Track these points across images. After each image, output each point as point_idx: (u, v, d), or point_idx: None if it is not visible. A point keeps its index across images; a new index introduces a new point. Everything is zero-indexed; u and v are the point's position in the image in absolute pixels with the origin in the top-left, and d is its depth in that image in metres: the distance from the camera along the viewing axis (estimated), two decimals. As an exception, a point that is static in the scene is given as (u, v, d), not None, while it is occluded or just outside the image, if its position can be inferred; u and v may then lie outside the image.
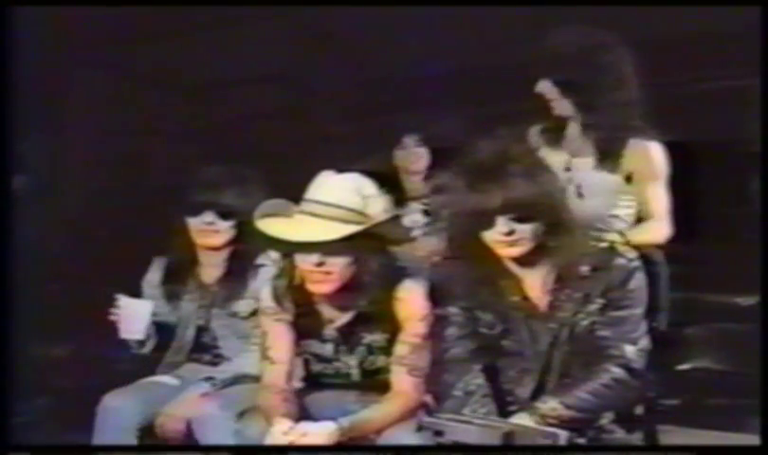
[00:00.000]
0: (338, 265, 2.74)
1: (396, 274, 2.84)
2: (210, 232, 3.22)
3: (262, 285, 3.02)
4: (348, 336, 2.88)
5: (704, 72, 3.36)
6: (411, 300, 2.79)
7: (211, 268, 3.30)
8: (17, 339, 3.69)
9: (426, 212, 3.54)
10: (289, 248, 2.78)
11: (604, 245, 2.64)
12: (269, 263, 3.07)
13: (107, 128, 4.07)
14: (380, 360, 2.87)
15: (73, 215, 4.05)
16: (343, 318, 2.87)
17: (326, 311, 2.88)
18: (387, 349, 2.84)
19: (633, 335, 2.55)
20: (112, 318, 3.20)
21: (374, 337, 2.86)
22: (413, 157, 3.63)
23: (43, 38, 3.82)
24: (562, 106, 3.16)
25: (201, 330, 3.31)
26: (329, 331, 2.89)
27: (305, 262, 2.75)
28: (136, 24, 3.96)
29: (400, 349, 2.80)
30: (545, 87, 3.16)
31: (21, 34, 3.55)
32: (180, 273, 3.31)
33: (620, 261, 2.57)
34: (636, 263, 2.59)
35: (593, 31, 3.12)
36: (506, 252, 2.57)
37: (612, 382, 2.51)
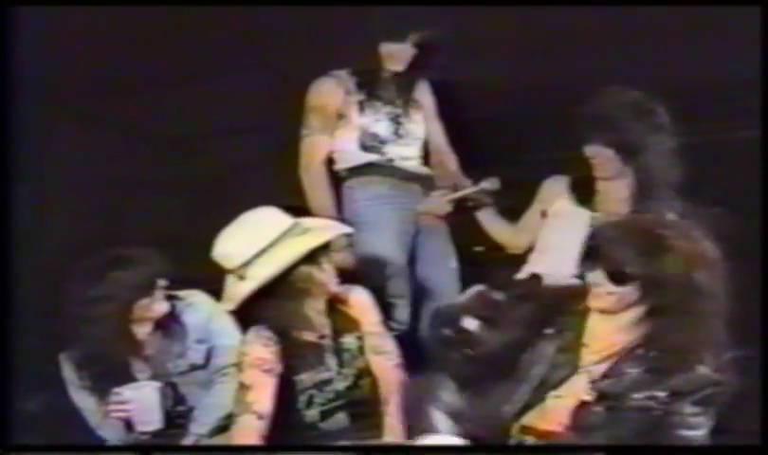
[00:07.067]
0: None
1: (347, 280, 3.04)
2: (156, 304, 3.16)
3: (247, 339, 2.97)
4: (336, 346, 2.99)
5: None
6: (359, 303, 3.03)
7: (145, 338, 3.20)
8: (17, 339, 3.71)
9: None
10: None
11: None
12: (195, 301, 3.15)
13: (92, 179, 4.09)
14: (360, 361, 2.99)
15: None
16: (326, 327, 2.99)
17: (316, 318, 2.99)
18: (361, 347, 2.99)
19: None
20: (119, 415, 3.08)
21: (348, 340, 2.99)
22: None
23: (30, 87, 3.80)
24: (611, 167, 3.18)
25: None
26: (325, 341, 2.98)
27: (324, 270, 2.93)
28: (123, 75, 3.98)
29: (369, 339, 2.98)
30: (595, 150, 3.18)
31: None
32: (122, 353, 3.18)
33: (703, 372, 2.50)
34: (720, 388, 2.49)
35: (637, 93, 3.14)
36: None
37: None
